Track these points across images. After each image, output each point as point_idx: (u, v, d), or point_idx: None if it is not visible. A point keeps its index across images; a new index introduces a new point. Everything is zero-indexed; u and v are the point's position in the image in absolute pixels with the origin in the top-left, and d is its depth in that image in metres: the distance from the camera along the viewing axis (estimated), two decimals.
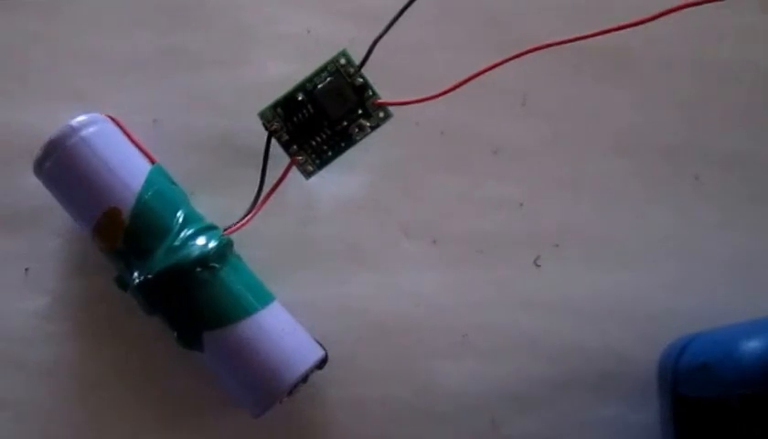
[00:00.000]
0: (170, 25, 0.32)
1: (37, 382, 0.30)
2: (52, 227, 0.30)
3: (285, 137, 0.29)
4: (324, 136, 0.29)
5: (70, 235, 0.30)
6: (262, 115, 0.29)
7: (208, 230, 0.28)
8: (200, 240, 0.27)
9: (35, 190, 0.29)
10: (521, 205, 0.32)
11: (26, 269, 0.30)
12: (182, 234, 0.27)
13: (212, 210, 0.29)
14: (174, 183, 0.29)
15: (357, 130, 0.29)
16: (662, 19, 0.27)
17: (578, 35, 0.27)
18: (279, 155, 0.29)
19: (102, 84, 0.32)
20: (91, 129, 0.28)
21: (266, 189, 0.29)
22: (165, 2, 0.32)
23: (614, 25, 0.27)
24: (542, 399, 0.31)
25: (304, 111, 0.29)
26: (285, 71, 0.30)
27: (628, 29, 0.27)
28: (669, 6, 0.27)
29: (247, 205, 0.29)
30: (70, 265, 0.30)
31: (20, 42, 0.32)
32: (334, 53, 0.29)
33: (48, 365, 0.30)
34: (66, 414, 0.30)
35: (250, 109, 0.29)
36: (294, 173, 0.29)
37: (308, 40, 0.32)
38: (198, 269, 0.27)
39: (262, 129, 0.29)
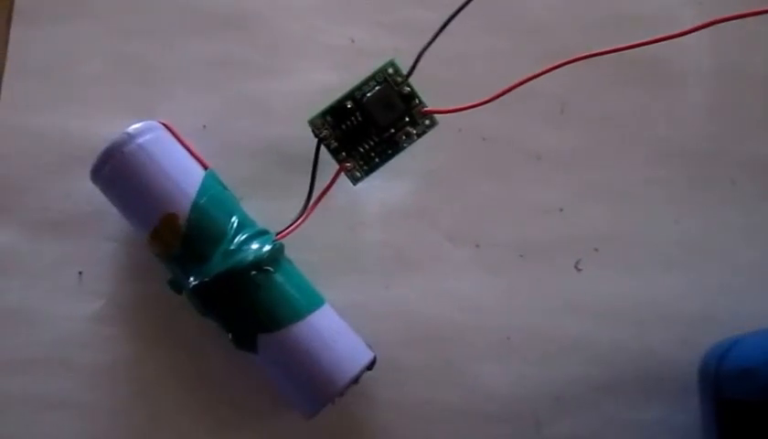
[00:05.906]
0: (218, 35, 0.33)
1: (93, 385, 0.30)
2: (105, 231, 0.31)
3: (334, 144, 0.29)
4: (371, 143, 0.30)
5: (123, 239, 0.31)
6: (312, 123, 0.29)
7: (261, 234, 0.28)
8: (254, 245, 0.28)
9: (88, 196, 0.30)
10: (561, 210, 0.32)
11: (80, 273, 0.31)
12: (237, 239, 0.28)
13: (261, 216, 0.30)
14: (226, 188, 0.30)
15: (403, 137, 0.30)
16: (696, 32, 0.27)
17: (616, 46, 0.28)
18: (327, 162, 0.29)
19: (152, 92, 0.32)
20: (148, 136, 0.28)
21: (315, 195, 0.29)
22: (213, 13, 0.33)
23: (651, 37, 0.28)
24: (585, 400, 0.31)
25: (353, 118, 0.29)
26: (330, 80, 0.31)
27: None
28: (705, 21, 0.27)
29: (294, 211, 0.30)
30: (123, 269, 0.31)
31: (73, 53, 0.32)
32: (377, 63, 0.29)
33: (103, 367, 0.30)
34: (122, 415, 0.30)
35: (296, 116, 0.29)
36: (342, 179, 0.30)
37: (352, 50, 0.33)
38: (253, 272, 0.27)
39: (310, 136, 0.29)
